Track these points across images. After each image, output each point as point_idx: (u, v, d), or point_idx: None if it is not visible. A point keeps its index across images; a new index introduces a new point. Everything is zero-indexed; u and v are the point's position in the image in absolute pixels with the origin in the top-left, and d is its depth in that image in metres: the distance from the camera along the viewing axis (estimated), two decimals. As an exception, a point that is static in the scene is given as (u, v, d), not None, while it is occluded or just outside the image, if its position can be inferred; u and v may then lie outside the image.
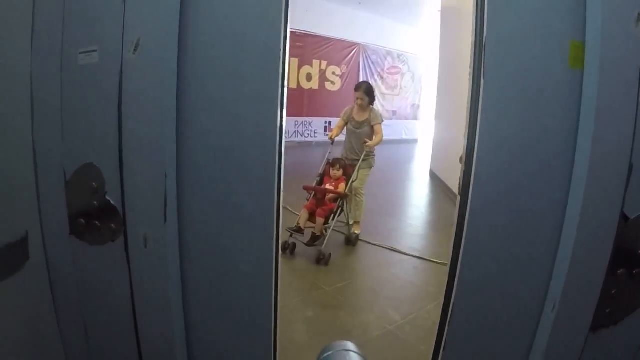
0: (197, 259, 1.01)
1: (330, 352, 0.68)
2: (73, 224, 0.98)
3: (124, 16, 0.89)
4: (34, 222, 1.00)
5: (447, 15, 5.72)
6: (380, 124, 3.28)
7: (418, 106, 11.24)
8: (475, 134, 0.95)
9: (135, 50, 0.89)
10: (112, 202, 0.95)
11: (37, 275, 1.01)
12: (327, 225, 3.00)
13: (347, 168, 3.26)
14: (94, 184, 0.95)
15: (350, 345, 0.71)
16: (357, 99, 3.26)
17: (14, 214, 0.96)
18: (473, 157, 0.95)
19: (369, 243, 3.30)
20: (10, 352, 0.98)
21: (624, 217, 0.92)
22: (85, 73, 0.93)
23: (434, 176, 6.20)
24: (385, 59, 9.02)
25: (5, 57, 0.93)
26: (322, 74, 8.71)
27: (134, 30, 0.89)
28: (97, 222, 0.96)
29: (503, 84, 0.94)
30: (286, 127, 1.02)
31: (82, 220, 0.97)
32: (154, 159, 0.91)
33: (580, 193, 0.91)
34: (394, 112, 10.34)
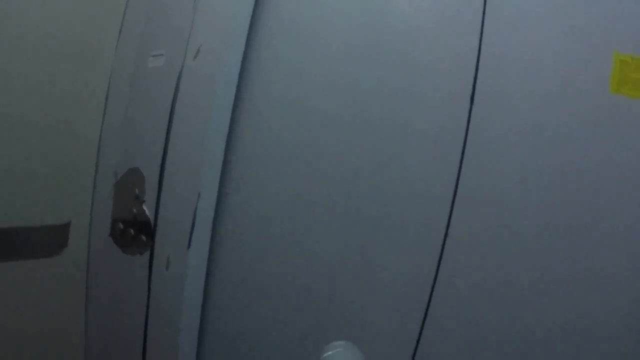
0: (224, 297, 0.89)
1: (330, 352, 0.68)
2: (113, 226, 0.95)
3: (192, 20, 0.83)
4: (81, 213, 1.00)
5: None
6: None
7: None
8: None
9: (195, 56, 0.82)
10: (147, 212, 0.89)
11: (74, 266, 1.01)
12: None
13: None
14: (136, 190, 0.91)
15: (350, 346, 0.69)
16: None
17: (63, 200, 0.96)
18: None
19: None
20: (30, 334, 0.98)
21: None
22: (150, 76, 0.89)
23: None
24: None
25: (93, 50, 0.96)
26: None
27: (199, 36, 0.82)
28: (131, 230, 0.91)
29: None
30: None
31: (121, 224, 0.93)
32: (191, 175, 0.82)
33: None
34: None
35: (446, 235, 0.72)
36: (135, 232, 0.91)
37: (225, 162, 0.83)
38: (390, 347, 0.75)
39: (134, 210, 0.91)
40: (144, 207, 0.89)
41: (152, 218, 0.88)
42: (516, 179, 0.72)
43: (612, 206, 0.71)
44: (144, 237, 0.90)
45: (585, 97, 0.71)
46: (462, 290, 0.71)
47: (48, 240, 1.00)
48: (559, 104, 0.72)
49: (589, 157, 0.71)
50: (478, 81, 0.72)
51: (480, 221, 0.72)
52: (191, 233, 0.82)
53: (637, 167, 0.70)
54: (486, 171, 0.72)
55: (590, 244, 0.71)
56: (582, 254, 0.71)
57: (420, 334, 0.73)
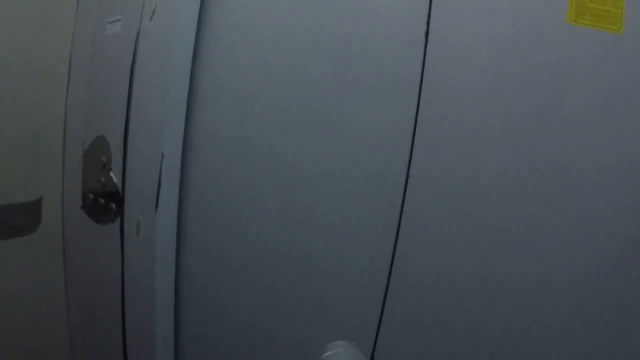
0: (197, 255, 0.89)
1: (330, 352, 0.67)
2: (84, 197, 0.95)
3: (146, -19, 0.82)
4: (52, 189, 0.99)
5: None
6: None
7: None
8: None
9: (151, 17, 0.81)
10: (114, 180, 0.89)
11: (49, 241, 1.01)
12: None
13: None
14: (103, 158, 0.90)
15: (350, 345, 0.68)
16: None
17: (33, 176, 0.96)
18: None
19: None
20: (14, 311, 0.99)
21: None
22: (109, 43, 0.89)
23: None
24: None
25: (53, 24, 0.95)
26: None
27: (153, -3, 0.81)
28: (101, 200, 0.91)
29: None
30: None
31: (91, 195, 0.93)
32: (154, 136, 0.82)
33: None
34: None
35: (408, 175, 0.72)
36: (105, 201, 0.91)
37: (188, 120, 0.82)
38: (361, 286, 0.75)
39: (103, 179, 0.91)
40: (112, 175, 0.89)
41: (119, 184, 0.88)
42: (475, 117, 0.72)
43: (575, 136, 0.71)
44: (113, 205, 0.89)
45: (543, 28, 0.71)
46: (425, 225, 0.72)
47: (22, 218, 1.00)
48: (515, 37, 0.72)
49: (548, 90, 0.71)
50: (432, 19, 0.72)
51: (440, 160, 0.72)
52: (157, 195, 0.82)
53: (596, 94, 0.71)
54: (443, 111, 0.72)
55: (552, 178, 0.71)
56: (545, 191, 0.71)
57: (389, 274, 0.74)
